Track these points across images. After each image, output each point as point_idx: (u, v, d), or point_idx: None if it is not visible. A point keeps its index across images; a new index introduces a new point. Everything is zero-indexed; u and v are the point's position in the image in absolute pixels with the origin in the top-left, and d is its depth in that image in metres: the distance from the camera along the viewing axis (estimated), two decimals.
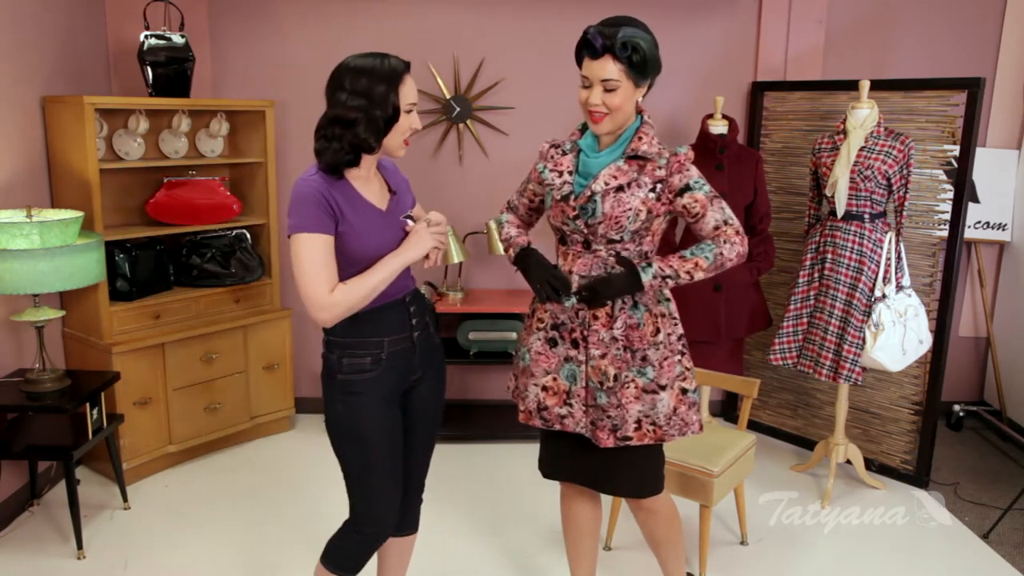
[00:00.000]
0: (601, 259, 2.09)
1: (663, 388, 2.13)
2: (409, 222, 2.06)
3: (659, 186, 2.05)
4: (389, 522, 2.13)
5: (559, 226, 2.15)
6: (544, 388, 2.19)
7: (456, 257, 3.84)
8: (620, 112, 2.02)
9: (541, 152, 2.23)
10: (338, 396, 2.01)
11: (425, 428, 2.23)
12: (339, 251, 1.92)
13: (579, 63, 2.06)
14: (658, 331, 2.13)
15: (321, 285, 1.86)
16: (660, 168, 2.05)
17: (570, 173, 2.13)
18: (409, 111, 1.95)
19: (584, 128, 2.18)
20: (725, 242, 2.04)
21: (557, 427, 2.20)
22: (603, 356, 2.11)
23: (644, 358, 2.11)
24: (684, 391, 2.17)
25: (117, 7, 3.81)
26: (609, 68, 1.97)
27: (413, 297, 2.12)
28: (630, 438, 2.13)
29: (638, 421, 2.12)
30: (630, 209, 2.04)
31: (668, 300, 2.19)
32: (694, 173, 2.07)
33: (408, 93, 1.93)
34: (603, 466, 2.23)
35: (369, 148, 1.92)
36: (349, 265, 1.93)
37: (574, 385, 2.16)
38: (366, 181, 2.00)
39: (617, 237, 2.07)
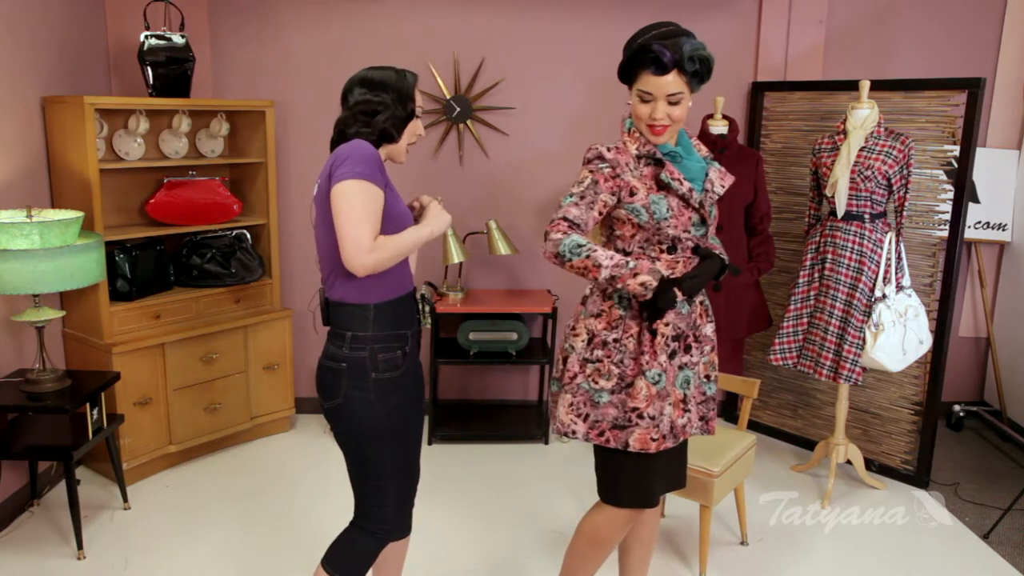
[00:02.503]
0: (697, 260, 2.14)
1: None
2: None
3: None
4: (407, 522, 2.14)
5: (677, 235, 2.04)
6: (673, 405, 2.11)
7: (456, 257, 3.85)
8: (680, 123, 2.04)
9: (613, 159, 2.02)
10: (372, 397, 1.98)
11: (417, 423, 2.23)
12: (385, 211, 1.95)
13: (628, 78, 2.03)
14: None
15: (370, 229, 1.87)
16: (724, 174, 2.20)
17: (683, 181, 2.04)
18: (419, 116, 2.08)
19: (627, 129, 2.11)
20: None
21: (681, 438, 2.15)
22: (712, 349, 2.20)
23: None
24: None
25: (117, 7, 3.81)
26: (674, 82, 1.97)
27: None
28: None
29: None
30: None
31: None
32: None
33: (418, 98, 2.09)
34: (683, 463, 2.31)
35: (390, 137, 2.03)
36: (393, 224, 1.97)
37: (688, 390, 2.14)
38: None
39: (710, 237, 2.15)
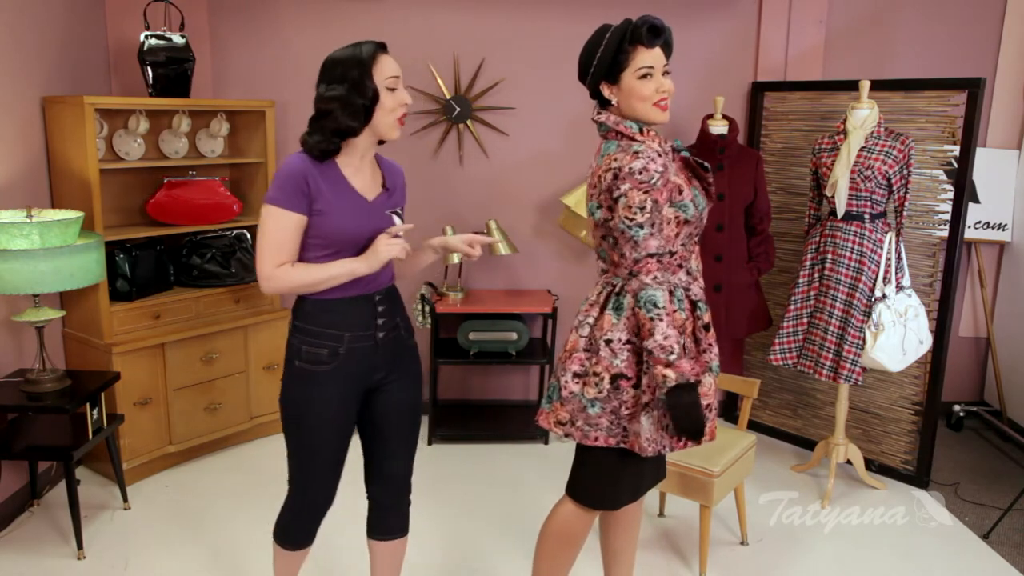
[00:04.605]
0: None
1: None
2: (396, 218, 2.08)
3: None
4: (321, 507, 2.22)
5: (701, 230, 2.10)
6: None
7: (456, 257, 3.85)
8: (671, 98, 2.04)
9: (664, 164, 1.95)
10: (294, 382, 2.07)
11: (400, 430, 2.21)
12: (314, 230, 1.97)
13: (616, 69, 2.00)
14: None
15: (270, 257, 1.95)
16: None
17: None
18: (393, 88, 1.98)
19: (639, 131, 2.03)
20: None
21: None
22: None
23: None
24: None
25: (117, 7, 3.81)
26: (662, 54, 2.00)
27: (385, 296, 2.12)
28: None
29: None
30: None
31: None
32: None
33: (385, 69, 1.97)
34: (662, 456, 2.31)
35: (353, 132, 1.97)
36: (324, 246, 1.99)
37: None
38: (356, 170, 2.04)
39: None
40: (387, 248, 1.98)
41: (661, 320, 1.92)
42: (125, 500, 3.26)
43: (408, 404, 2.20)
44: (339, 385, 2.06)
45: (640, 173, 1.91)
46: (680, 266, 2.03)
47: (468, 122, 4.07)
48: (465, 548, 3.04)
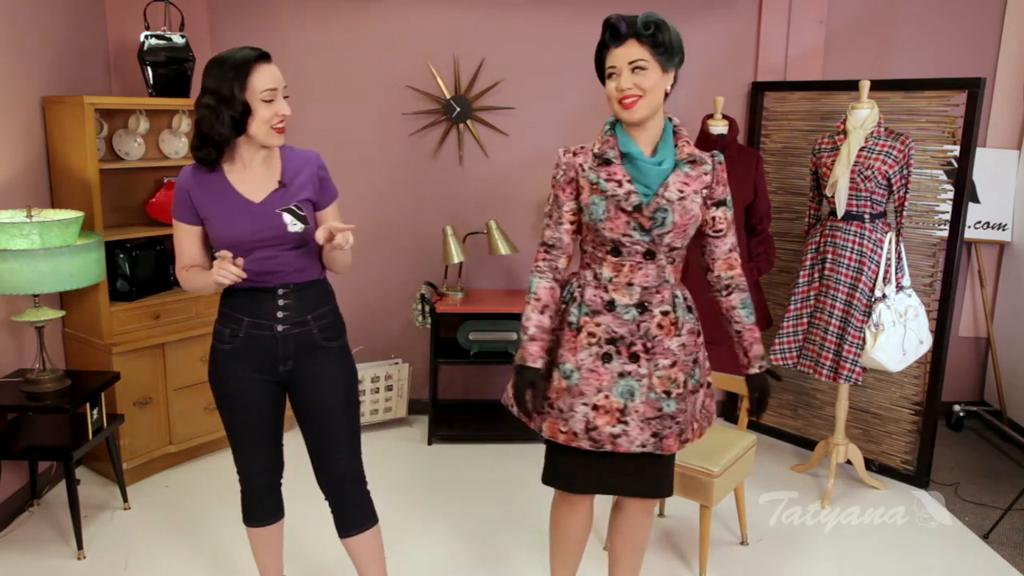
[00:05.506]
0: (661, 268, 2.06)
1: (702, 386, 2.22)
2: (286, 216, 2.05)
3: (705, 191, 2.07)
4: (254, 479, 2.31)
5: (617, 238, 2.02)
6: (595, 407, 2.06)
7: (456, 257, 3.85)
8: (653, 94, 1.96)
9: (567, 162, 2.08)
10: (210, 356, 2.22)
11: (326, 427, 2.21)
12: (209, 235, 2.12)
13: (600, 61, 2.02)
14: (699, 333, 2.19)
15: (178, 261, 2.17)
16: (706, 174, 2.07)
17: (629, 182, 2.00)
18: (269, 100, 1.97)
19: (611, 132, 2.06)
20: (741, 279, 2.18)
21: (608, 447, 2.07)
22: (672, 365, 2.09)
23: (695, 360, 2.16)
24: (709, 384, 2.27)
25: (117, 7, 3.81)
26: (635, 50, 1.95)
27: (294, 291, 2.13)
28: (689, 439, 2.19)
29: (689, 421, 2.18)
30: (693, 216, 2.05)
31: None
32: (728, 187, 2.12)
33: (261, 81, 1.95)
34: (637, 471, 2.17)
35: (224, 141, 1.98)
36: (219, 249, 2.07)
37: (631, 401, 2.06)
38: (243, 171, 2.05)
39: (679, 245, 2.07)
40: (216, 273, 1.96)
41: (528, 303, 2.12)
42: (125, 500, 3.26)
43: (328, 405, 2.19)
44: (240, 365, 2.16)
45: (554, 168, 2.12)
46: (588, 265, 2.12)
47: (468, 122, 4.07)
48: (465, 548, 3.04)
